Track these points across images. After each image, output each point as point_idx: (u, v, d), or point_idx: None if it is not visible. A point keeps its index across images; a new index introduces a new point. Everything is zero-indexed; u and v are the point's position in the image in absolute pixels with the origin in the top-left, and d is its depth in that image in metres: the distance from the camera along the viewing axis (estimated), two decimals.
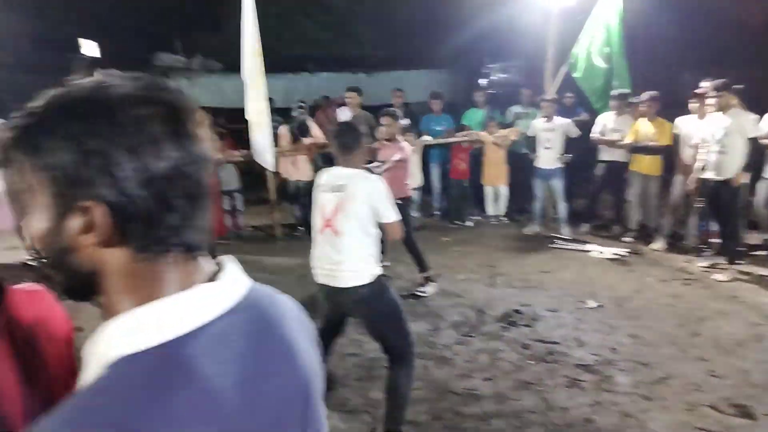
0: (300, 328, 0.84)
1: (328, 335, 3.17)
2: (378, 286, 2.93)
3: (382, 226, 3.00)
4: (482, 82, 10.53)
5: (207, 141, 0.70)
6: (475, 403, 3.36)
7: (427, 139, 7.33)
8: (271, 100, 9.61)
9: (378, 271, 2.95)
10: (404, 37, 12.32)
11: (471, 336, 4.29)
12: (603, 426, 3.12)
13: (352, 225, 2.89)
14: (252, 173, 7.72)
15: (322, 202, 2.99)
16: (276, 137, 7.33)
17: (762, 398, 3.35)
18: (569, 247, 6.54)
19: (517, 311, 4.71)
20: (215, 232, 6.80)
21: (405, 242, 4.97)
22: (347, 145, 3.02)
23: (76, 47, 17.22)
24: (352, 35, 13.26)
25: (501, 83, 10.43)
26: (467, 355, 4.00)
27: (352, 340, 4.28)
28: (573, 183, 7.72)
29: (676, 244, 6.37)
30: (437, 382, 3.61)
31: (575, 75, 7.28)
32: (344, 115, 7.45)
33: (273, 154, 6.70)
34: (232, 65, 7.89)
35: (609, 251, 6.22)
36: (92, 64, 6.67)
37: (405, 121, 7.47)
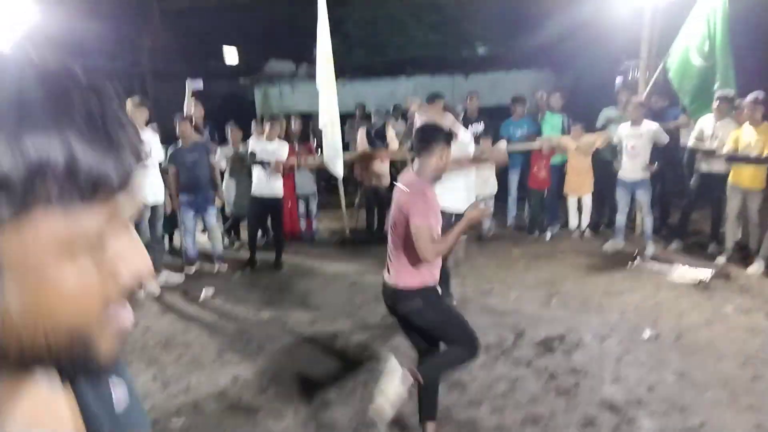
0: None
1: None
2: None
3: None
4: (618, 80, 9.75)
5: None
6: None
7: (503, 144, 7.02)
8: (363, 105, 9.83)
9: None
10: (508, 36, 11.92)
11: (497, 360, 4.06)
12: None
13: None
14: (333, 178, 7.90)
15: None
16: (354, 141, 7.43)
17: None
18: (650, 266, 5.96)
19: (560, 336, 4.40)
20: (288, 233, 7.05)
21: None
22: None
23: (220, 55, 18.77)
24: (459, 35, 13.08)
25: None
26: (484, 380, 3.80)
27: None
28: (666, 195, 7.04)
29: None
30: (440, 408, 3.46)
31: (669, 75, 6.62)
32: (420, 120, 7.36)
33: (341, 161, 6.79)
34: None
35: (692, 273, 5.57)
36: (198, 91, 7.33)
37: (480, 126, 7.28)
